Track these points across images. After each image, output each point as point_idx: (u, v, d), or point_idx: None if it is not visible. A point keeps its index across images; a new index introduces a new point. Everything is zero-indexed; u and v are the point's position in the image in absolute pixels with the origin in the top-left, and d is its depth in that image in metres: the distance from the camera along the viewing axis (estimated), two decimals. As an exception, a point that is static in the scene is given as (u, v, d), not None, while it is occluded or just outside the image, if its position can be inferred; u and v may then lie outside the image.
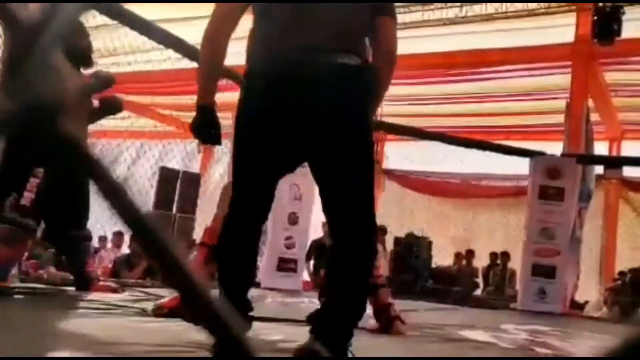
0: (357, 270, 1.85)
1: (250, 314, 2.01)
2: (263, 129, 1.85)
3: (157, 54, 7.86)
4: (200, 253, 3.44)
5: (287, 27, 1.83)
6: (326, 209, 1.91)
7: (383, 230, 9.08)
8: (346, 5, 1.86)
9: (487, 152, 7.70)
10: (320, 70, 1.78)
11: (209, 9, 2.08)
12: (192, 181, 9.19)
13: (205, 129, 1.95)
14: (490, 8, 8.01)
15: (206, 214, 7.38)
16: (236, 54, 2.18)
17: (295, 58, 1.80)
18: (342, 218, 1.86)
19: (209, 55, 1.97)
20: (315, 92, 1.78)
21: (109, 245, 8.57)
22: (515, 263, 8.35)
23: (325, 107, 1.79)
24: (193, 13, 8.73)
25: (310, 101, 1.78)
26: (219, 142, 2.00)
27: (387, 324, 3.20)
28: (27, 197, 3.44)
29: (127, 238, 7.78)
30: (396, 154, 11.66)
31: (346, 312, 1.84)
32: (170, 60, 7.45)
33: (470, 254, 9.78)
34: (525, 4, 7.80)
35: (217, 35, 1.94)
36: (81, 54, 3.54)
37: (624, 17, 7.10)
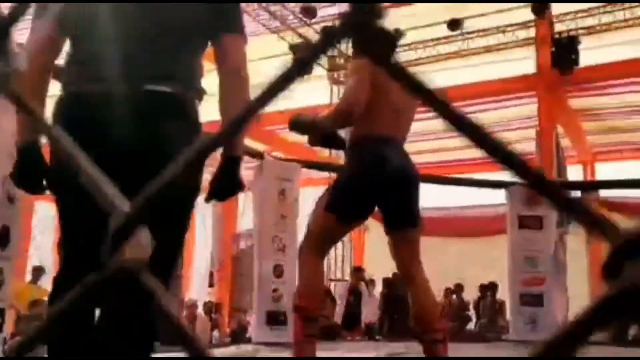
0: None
1: None
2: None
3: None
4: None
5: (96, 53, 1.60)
6: None
7: (361, 271, 9.15)
8: (165, 21, 1.63)
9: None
10: (125, 99, 1.50)
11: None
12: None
13: (30, 175, 1.62)
14: (454, 46, 8.26)
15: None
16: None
17: (102, 87, 1.54)
18: None
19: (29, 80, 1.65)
20: (117, 124, 1.48)
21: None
22: (505, 293, 8.38)
23: (127, 141, 1.49)
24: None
25: (112, 135, 1.48)
26: (43, 191, 1.65)
27: None
28: None
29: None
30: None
31: None
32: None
33: (459, 287, 9.78)
34: (486, 40, 8.06)
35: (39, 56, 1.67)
36: None
37: (580, 47, 7.37)
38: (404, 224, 3.07)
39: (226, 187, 1.69)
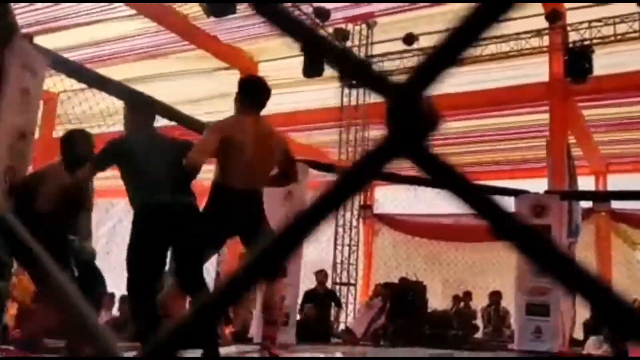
0: None
1: None
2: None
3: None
4: None
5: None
6: None
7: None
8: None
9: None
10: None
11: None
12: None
13: None
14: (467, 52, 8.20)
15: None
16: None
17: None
18: None
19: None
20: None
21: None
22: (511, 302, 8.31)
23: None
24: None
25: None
26: None
27: None
28: None
29: (116, 301, 7.73)
30: (387, 198, 11.73)
31: None
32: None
33: (467, 295, 9.68)
34: (498, 47, 8.01)
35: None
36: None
37: (594, 56, 7.30)
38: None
39: None
